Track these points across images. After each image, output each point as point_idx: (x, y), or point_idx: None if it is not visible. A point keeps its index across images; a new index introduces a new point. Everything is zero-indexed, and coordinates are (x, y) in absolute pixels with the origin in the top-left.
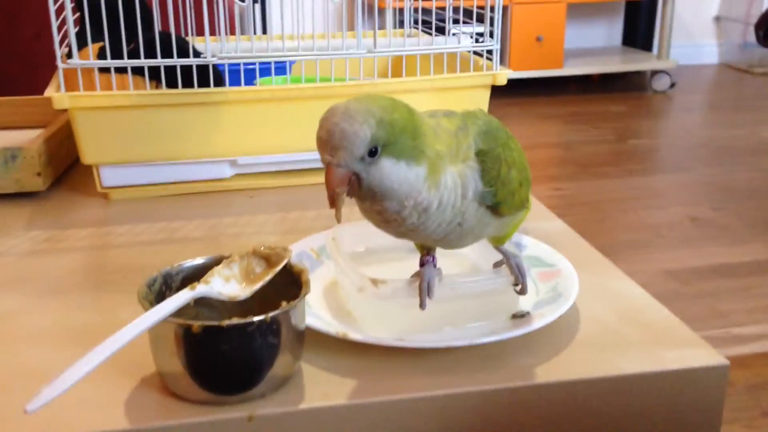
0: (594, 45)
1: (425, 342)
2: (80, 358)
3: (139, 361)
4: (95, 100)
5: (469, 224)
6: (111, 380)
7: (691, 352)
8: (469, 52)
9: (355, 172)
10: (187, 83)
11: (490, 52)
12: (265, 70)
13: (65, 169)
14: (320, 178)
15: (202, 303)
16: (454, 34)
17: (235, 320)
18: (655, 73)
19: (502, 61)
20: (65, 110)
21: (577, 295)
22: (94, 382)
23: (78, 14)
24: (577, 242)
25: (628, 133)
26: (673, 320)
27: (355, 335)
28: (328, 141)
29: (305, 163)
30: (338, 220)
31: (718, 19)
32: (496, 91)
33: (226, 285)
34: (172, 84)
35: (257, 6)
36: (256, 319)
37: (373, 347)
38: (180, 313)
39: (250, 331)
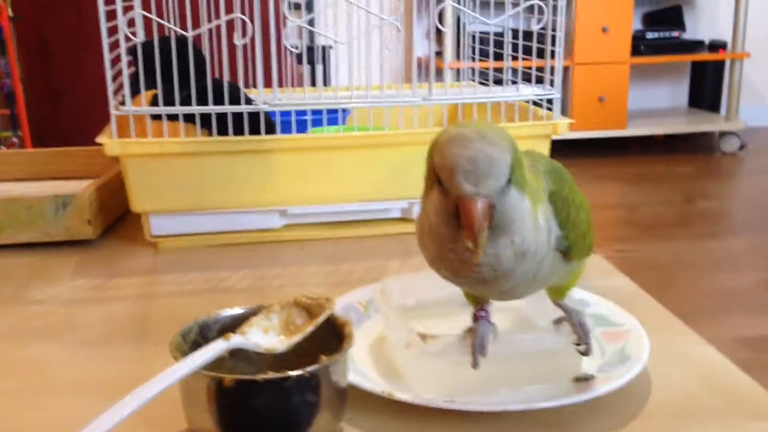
0: (659, 106)
1: (478, 405)
2: (103, 411)
3: (170, 416)
4: (146, 146)
5: (543, 271)
6: None
7: None
8: (528, 102)
9: (492, 203)
10: (239, 131)
11: (550, 102)
12: (317, 122)
13: (116, 219)
14: (373, 230)
15: (239, 356)
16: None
17: (271, 375)
18: (723, 134)
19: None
20: (119, 160)
21: (647, 358)
22: None
23: (133, 64)
24: (645, 301)
25: (696, 195)
26: (757, 389)
27: (401, 395)
28: (473, 169)
29: (358, 215)
30: (477, 259)
31: None
32: (557, 150)
33: (265, 337)
34: (223, 132)
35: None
36: (293, 374)
37: (422, 408)
38: (215, 366)
39: (286, 386)
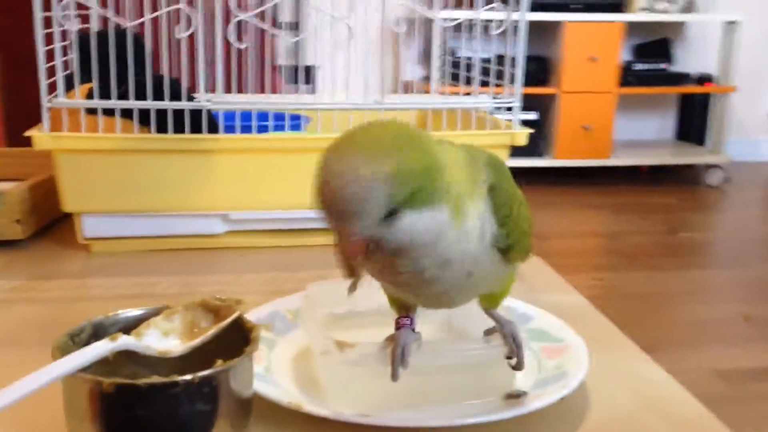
0: (646, 138)
1: (394, 420)
2: None
3: (51, 425)
4: (79, 141)
5: (478, 274)
6: None
7: None
8: (490, 111)
9: (372, 238)
10: (179, 130)
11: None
12: (263, 129)
13: (53, 221)
14: (319, 239)
15: (141, 362)
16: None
17: (155, 379)
18: (708, 167)
19: (547, 150)
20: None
21: (585, 375)
22: None
23: (68, 56)
24: (595, 318)
25: (679, 226)
26: (706, 415)
27: (309, 407)
28: (334, 208)
29: (304, 223)
30: (353, 290)
31: None
32: (541, 178)
33: (164, 339)
34: (163, 130)
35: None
36: (180, 379)
37: (336, 423)
38: (111, 372)
39: (174, 393)
